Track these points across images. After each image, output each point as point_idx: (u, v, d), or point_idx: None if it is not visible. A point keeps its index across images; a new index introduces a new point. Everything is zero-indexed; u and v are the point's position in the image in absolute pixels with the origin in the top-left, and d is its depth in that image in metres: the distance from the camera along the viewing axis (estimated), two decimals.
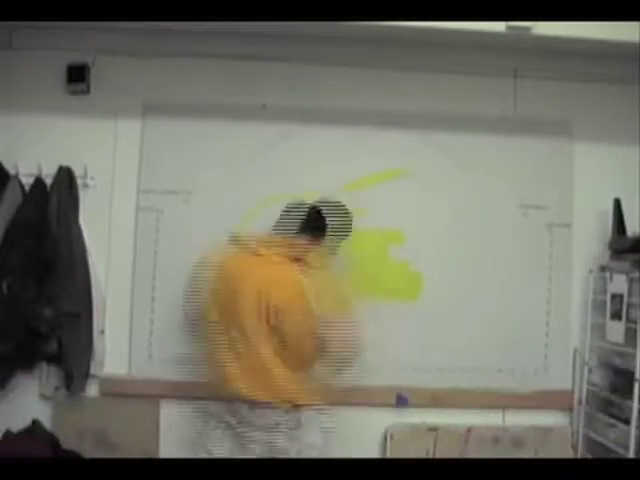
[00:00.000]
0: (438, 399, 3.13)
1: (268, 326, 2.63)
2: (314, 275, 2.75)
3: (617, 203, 3.10)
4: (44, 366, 3.07)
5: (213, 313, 2.71)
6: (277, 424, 2.65)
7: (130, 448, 3.06)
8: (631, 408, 2.79)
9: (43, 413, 3.07)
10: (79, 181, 3.12)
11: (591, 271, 3.20)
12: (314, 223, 2.83)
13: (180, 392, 3.09)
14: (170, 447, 3.07)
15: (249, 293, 2.65)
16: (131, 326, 3.15)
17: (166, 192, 3.17)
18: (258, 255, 2.73)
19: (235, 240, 2.82)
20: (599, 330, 3.13)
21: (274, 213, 2.87)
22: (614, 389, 3.04)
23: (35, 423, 3.01)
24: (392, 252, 3.16)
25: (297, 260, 2.75)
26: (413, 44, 3.10)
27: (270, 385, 2.64)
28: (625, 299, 2.91)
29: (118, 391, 3.11)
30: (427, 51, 3.15)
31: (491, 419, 3.18)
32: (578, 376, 3.20)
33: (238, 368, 2.63)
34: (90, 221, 3.13)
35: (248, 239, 2.79)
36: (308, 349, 2.71)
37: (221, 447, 2.70)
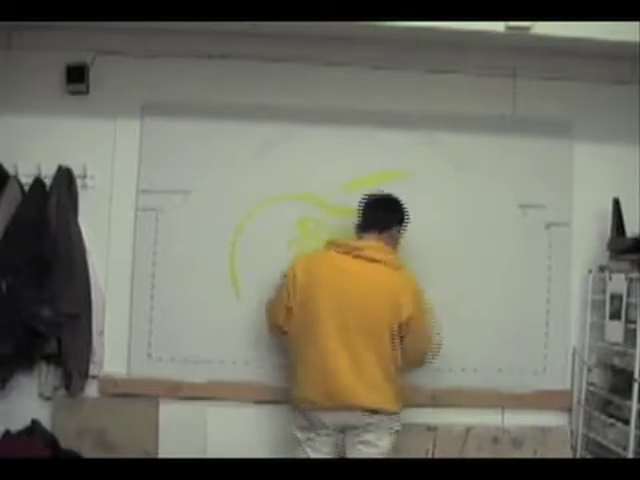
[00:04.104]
0: (437, 399, 3.13)
1: (399, 334, 2.70)
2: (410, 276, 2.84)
3: (616, 203, 3.10)
4: (43, 366, 3.06)
5: (326, 320, 2.67)
6: (391, 428, 2.71)
7: (129, 448, 3.06)
8: (630, 408, 2.78)
9: (42, 413, 3.06)
10: (78, 181, 3.12)
11: (590, 271, 3.20)
12: (402, 217, 2.87)
13: (180, 392, 3.10)
14: (169, 447, 3.08)
15: (383, 301, 2.68)
16: (130, 326, 3.14)
17: (165, 192, 3.17)
18: (374, 261, 2.73)
19: (338, 246, 2.80)
20: (598, 330, 3.13)
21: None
22: (613, 389, 3.04)
23: (34, 423, 3.01)
24: None
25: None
26: (413, 44, 3.10)
27: (391, 393, 2.70)
28: (624, 299, 2.91)
29: (117, 391, 3.11)
30: (427, 51, 3.15)
31: (490, 419, 3.18)
32: (577, 376, 3.20)
33: (356, 376, 2.64)
34: (89, 221, 3.13)
35: (355, 244, 2.78)
36: (422, 353, 2.83)
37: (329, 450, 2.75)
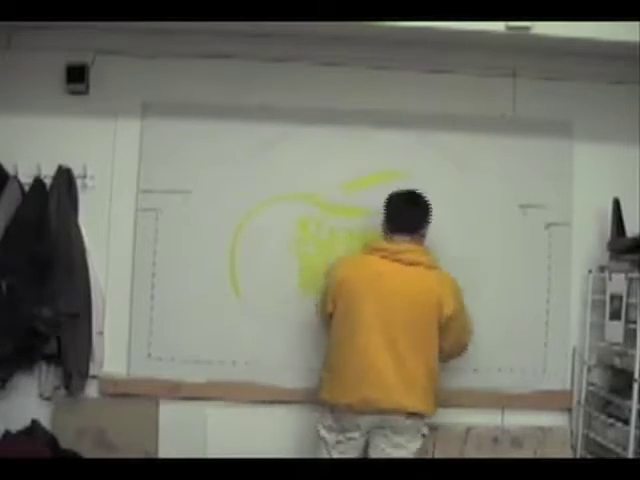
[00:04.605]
0: (438, 399, 3.12)
1: (440, 332, 2.72)
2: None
3: (616, 203, 3.10)
4: (43, 366, 3.07)
5: (369, 324, 2.66)
6: (418, 430, 2.71)
7: (129, 448, 3.06)
8: (630, 408, 2.78)
9: (42, 413, 3.06)
10: (78, 181, 3.13)
11: (590, 271, 3.20)
12: (428, 213, 2.87)
13: (180, 392, 3.10)
14: (169, 447, 3.08)
15: (425, 302, 2.68)
16: (130, 326, 3.14)
17: (165, 192, 3.17)
18: (413, 264, 2.73)
19: (376, 249, 2.79)
20: (598, 330, 3.13)
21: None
22: (613, 389, 3.04)
23: (34, 423, 3.01)
24: None
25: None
26: (413, 44, 3.10)
27: (430, 394, 2.72)
28: (624, 299, 2.91)
29: (117, 391, 3.11)
30: (427, 51, 3.15)
31: (490, 419, 3.18)
32: (577, 376, 3.20)
33: (399, 379, 2.64)
34: (89, 221, 3.13)
35: (394, 248, 2.76)
36: (459, 348, 2.87)
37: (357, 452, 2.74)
